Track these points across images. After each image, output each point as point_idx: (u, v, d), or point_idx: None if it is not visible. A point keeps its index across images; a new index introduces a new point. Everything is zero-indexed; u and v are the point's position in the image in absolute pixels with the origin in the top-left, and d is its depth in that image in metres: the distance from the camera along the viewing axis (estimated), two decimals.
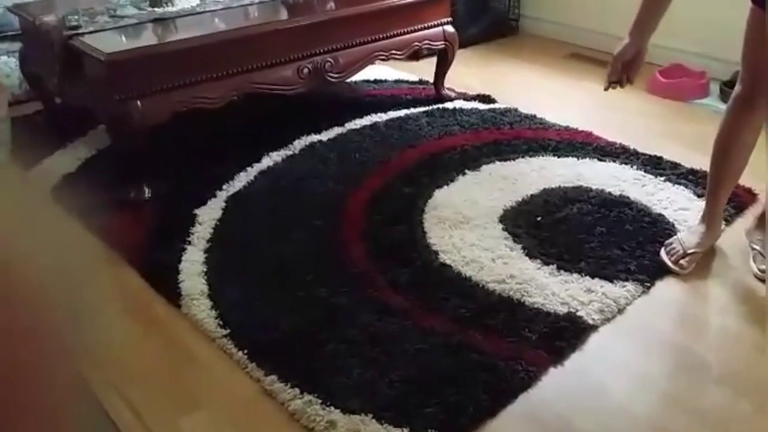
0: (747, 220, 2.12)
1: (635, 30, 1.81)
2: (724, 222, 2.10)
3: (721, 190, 1.98)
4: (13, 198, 0.36)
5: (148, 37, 2.51)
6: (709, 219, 2.01)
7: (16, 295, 0.32)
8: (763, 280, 1.90)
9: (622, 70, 1.85)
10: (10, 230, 0.33)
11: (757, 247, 1.96)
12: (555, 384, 1.58)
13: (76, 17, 2.48)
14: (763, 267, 1.91)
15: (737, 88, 1.82)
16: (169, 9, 2.64)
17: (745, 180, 2.20)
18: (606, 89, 1.91)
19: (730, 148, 1.89)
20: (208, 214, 2.23)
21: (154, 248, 2.08)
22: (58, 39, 2.39)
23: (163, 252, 2.05)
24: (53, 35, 2.41)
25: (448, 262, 1.98)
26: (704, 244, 1.98)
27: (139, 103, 2.22)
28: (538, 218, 2.18)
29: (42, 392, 0.33)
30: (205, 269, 1.97)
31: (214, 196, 2.33)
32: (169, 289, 1.90)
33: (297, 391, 1.54)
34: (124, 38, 2.46)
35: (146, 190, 2.35)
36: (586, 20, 3.78)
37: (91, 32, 2.40)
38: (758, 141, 1.88)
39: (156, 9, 2.63)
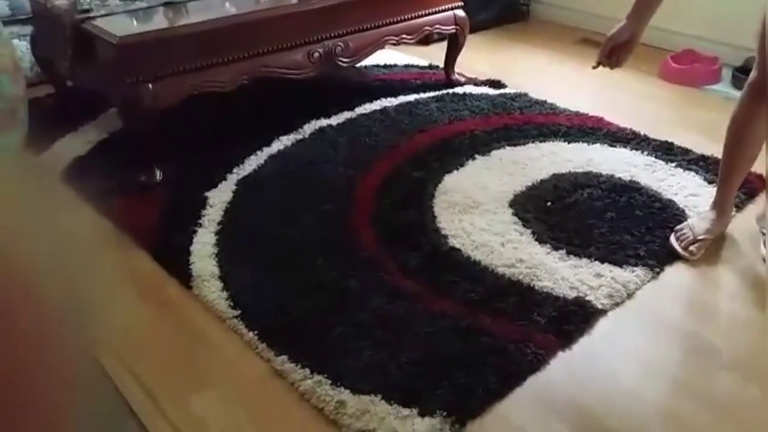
0: (758, 206, 2.11)
1: (633, 14, 1.80)
2: (735, 208, 2.10)
3: (733, 178, 1.97)
4: (19, 190, 0.36)
5: (159, 21, 2.51)
6: (720, 205, 2.00)
7: (16, 291, 0.32)
8: None
9: (615, 52, 1.84)
10: (13, 225, 0.33)
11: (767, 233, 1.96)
12: (563, 367, 1.59)
13: (88, 1, 2.48)
14: None
15: (752, 75, 1.80)
16: None
17: (757, 166, 2.19)
18: (594, 68, 1.91)
19: (743, 136, 1.87)
20: (219, 197, 2.25)
21: (166, 231, 2.10)
22: (69, 22, 2.40)
23: (175, 234, 2.06)
24: (65, 18, 2.42)
25: (457, 246, 1.98)
26: (714, 231, 1.98)
27: (150, 86, 2.23)
28: (548, 203, 2.18)
29: (41, 392, 0.32)
30: (216, 251, 1.98)
31: (225, 179, 2.34)
32: (181, 271, 1.92)
33: (307, 371, 1.55)
34: (135, 22, 2.47)
35: (157, 173, 2.36)
36: (598, 5, 3.74)
37: (102, 15, 2.41)
38: None
39: None
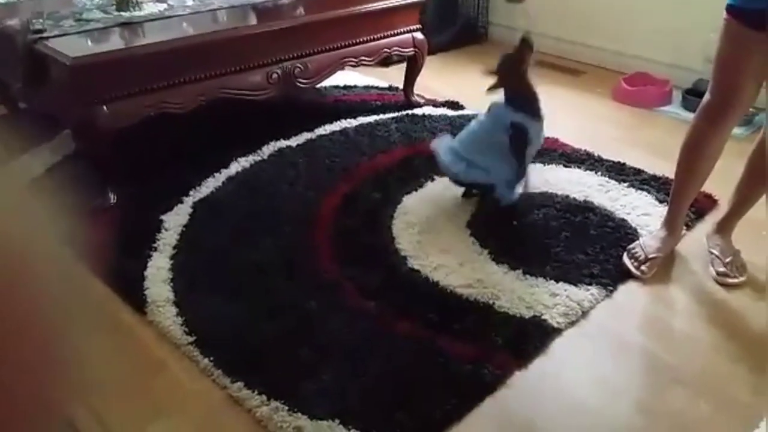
0: (707, 225, 2.17)
1: None
2: (685, 227, 2.16)
3: (684, 197, 2.02)
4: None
5: (115, 42, 2.48)
6: (670, 224, 2.06)
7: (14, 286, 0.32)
8: (721, 284, 1.95)
9: None
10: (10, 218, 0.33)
11: (715, 252, 2.01)
12: (520, 387, 1.61)
13: (41, 21, 2.44)
14: (722, 270, 1.97)
15: (707, 98, 1.82)
16: (137, 13, 2.62)
17: (706, 186, 2.26)
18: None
19: (696, 157, 1.92)
20: (175, 221, 2.22)
21: (119, 255, 2.06)
22: (22, 43, 2.35)
23: (129, 259, 2.03)
24: (17, 39, 2.37)
25: (416, 267, 1.99)
26: (665, 249, 2.03)
27: (104, 108, 2.20)
28: (514, 222, 2.21)
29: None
30: (171, 276, 1.95)
31: (181, 202, 2.32)
32: (135, 297, 1.88)
33: (264, 397, 1.53)
34: (89, 42, 2.43)
35: (112, 196, 2.32)
36: (552, 28, 3.84)
37: (56, 36, 2.37)
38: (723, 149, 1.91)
39: (123, 13, 2.60)
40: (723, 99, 1.78)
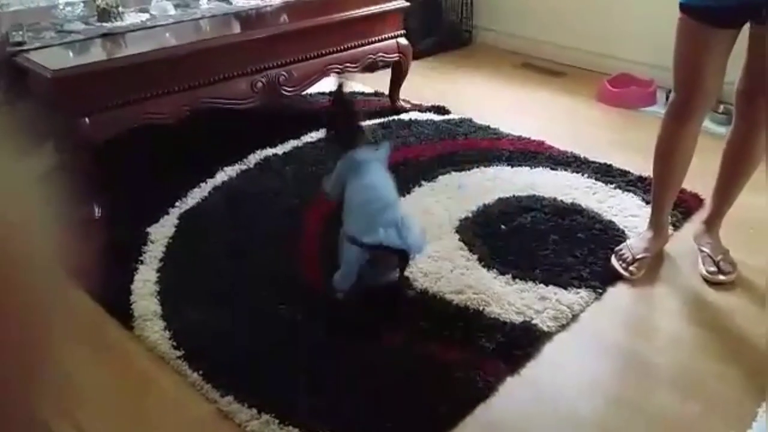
0: (694, 224, 2.18)
1: None
2: (672, 227, 2.16)
3: (664, 197, 2.04)
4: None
5: (96, 53, 2.46)
6: (655, 224, 2.07)
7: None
8: (711, 282, 1.96)
9: None
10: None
11: (706, 250, 2.02)
12: (512, 394, 1.60)
13: (21, 33, 2.41)
14: (712, 269, 1.97)
15: (672, 96, 1.87)
16: (118, 24, 2.60)
17: (693, 186, 2.28)
18: None
19: (669, 156, 1.95)
20: (161, 233, 2.19)
21: (105, 269, 2.03)
22: (1, 55, 2.33)
23: (115, 272, 2.00)
24: None
25: (406, 274, 1.98)
26: (652, 249, 2.03)
27: (87, 120, 2.18)
28: (502, 226, 2.20)
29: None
30: (158, 289, 1.93)
31: (167, 213, 2.29)
32: (121, 311, 1.86)
33: (254, 411, 1.52)
34: (71, 54, 2.41)
35: (96, 209, 2.30)
36: (536, 31, 3.86)
37: (36, 48, 2.35)
38: (702, 146, 1.93)
39: (104, 24, 2.58)
40: (687, 95, 1.82)
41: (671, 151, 1.93)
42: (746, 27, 1.73)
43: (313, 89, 3.03)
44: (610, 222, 2.22)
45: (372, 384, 1.60)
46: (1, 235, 0.33)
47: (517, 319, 1.80)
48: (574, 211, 2.28)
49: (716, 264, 1.98)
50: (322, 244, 2.14)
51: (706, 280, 1.97)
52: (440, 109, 3.12)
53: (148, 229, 2.20)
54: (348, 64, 2.88)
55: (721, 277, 1.96)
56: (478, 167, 2.59)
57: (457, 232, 2.19)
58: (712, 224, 2.06)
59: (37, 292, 0.35)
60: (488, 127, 2.93)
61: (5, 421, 0.33)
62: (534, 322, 1.79)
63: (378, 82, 3.33)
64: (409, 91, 3.20)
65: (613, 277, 1.97)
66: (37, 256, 0.36)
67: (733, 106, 1.92)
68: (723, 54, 1.73)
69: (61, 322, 0.38)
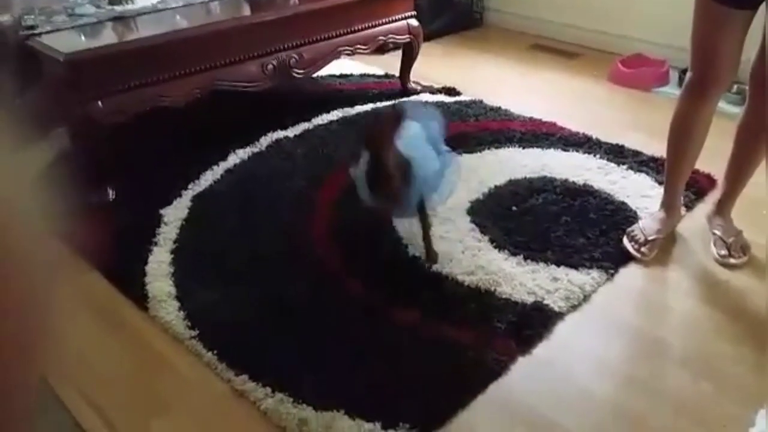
0: (707, 205, 2.17)
1: None
2: (685, 208, 2.15)
3: (677, 176, 2.03)
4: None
5: (108, 36, 2.47)
6: (668, 204, 2.06)
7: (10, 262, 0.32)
8: (722, 264, 1.95)
9: None
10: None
11: (718, 232, 2.01)
12: (524, 373, 1.61)
13: (33, 17, 2.42)
14: (723, 252, 1.97)
15: (689, 75, 1.86)
16: (129, 7, 2.60)
17: (706, 166, 2.26)
18: None
19: (683, 135, 1.94)
20: (174, 214, 2.21)
21: (120, 251, 2.05)
22: (13, 39, 2.34)
23: (129, 254, 2.02)
24: (8, 36, 2.36)
25: (417, 255, 1.99)
26: (664, 230, 2.03)
27: (99, 103, 2.19)
28: (513, 208, 2.20)
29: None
30: (172, 270, 1.95)
31: (180, 195, 2.31)
32: (136, 292, 1.88)
33: (268, 390, 1.54)
34: (83, 37, 2.42)
35: (110, 192, 2.31)
36: (548, 12, 3.82)
37: (48, 32, 2.36)
38: (715, 127, 1.92)
39: (116, 7, 2.59)
40: (703, 75, 1.81)
41: (686, 129, 1.92)
42: (762, 8, 1.71)
43: (323, 71, 3.03)
44: (622, 203, 2.21)
45: (384, 363, 1.62)
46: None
47: (529, 299, 1.80)
48: (585, 192, 2.27)
49: (727, 247, 1.97)
50: (333, 225, 2.15)
51: (718, 262, 1.96)
52: (451, 91, 3.11)
53: (162, 211, 2.22)
54: (359, 46, 2.87)
55: (732, 261, 1.95)
56: (489, 149, 2.58)
57: (468, 213, 2.19)
58: (724, 205, 2.05)
59: (34, 260, 0.35)
60: (499, 108, 2.91)
61: (6, 379, 0.33)
62: (546, 302, 1.79)
63: (389, 64, 3.32)
64: (419, 73, 3.19)
65: (625, 258, 1.97)
66: (36, 235, 0.36)
67: (746, 86, 1.90)
68: (739, 34, 1.72)
69: (64, 293, 0.39)
